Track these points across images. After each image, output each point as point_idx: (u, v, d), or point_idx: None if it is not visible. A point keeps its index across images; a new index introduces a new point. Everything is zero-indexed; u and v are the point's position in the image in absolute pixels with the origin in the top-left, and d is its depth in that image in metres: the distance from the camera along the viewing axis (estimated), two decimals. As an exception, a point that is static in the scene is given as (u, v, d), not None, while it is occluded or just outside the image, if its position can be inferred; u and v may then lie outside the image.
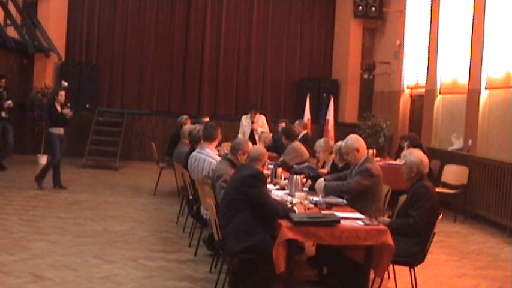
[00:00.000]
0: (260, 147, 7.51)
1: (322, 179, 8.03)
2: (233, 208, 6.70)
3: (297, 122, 13.55)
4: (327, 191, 7.80)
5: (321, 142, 9.51)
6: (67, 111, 13.20)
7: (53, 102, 13.13)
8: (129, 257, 8.32)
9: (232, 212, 6.69)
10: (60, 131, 13.14)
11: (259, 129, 15.36)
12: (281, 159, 10.97)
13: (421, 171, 7.05)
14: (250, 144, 8.06)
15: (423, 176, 7.05)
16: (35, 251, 8.33)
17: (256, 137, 15.28)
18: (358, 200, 7.59)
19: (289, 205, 6.98)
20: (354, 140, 7.99)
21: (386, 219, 7.10)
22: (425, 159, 7.18)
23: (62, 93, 13.19)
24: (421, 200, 6.82)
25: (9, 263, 7.70)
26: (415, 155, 7.16)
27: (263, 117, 15.67)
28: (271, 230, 6.55)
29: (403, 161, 7.36)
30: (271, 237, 6.41)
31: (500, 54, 12.35)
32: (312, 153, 10.90)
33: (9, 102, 15.15)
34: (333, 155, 9.29)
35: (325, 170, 9.23)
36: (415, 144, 12.16)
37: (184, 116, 14.00)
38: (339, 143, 8.76)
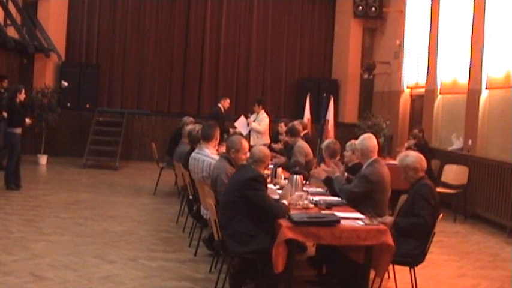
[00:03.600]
0: (264, 149, 7.41)
1: (338, 172, 8.02)
2: (233, 210, 6.70)
3: (296, 122, 13.53)
4: (336, 182, 7.79)
5: (324, 144, 9.48)
6: (29, 121, 13.20)
7: (14, 100, 12.97)
8: (129, 257, 8.32)
9: (232, 214, 6.69)
10: (20, 130, 13.03)
11: (254, 124, 15.25)
12: (278, 159, 11.01)
13: (417, 168, 7.02)
14: (246, 143, 8.03)
15: (423, 176, 7.03)
16: (35, 251, 8.33)
17: (251, 132, 15.21)
18: (356, 204, 7.54)
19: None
20: (363, 139, 7.96)
21: (390, 218, 7.05)
22: (418, 156, 7.14)
23: (23, 91, 13.09)
24: (425, 198, 6.81)
25: (9, 263, 7.70)
26: (413, 155, 7.16)
27: (266, 117, 15.49)
28: (272, 232, 6.54)
29: (400, 166, 7.31)
30: (272, 238, 6.39)
31: (500, 54, 12.35)
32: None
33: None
34: (336, 158, 9.24)
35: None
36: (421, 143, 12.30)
37: (190, 118, 13.91)
38: (352, 141, 8.68)
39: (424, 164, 7.12)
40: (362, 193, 7.54)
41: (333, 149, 9.11)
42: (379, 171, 7.69)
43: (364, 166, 7.81)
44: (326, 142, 9.38)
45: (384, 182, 7.69)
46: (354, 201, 7.54)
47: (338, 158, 9.17)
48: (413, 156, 7.12)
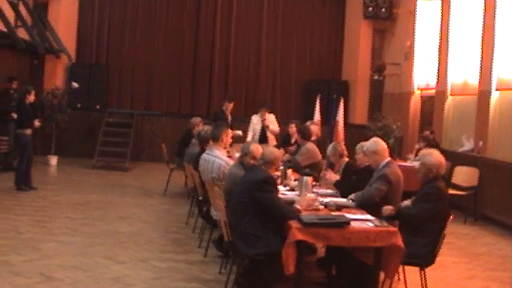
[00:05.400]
0: (275, 150, 7.38)
1: (353, 195, 7.96)
2: (242, 211, 6.69)
3: (308, 123, 13.53)
4: (357, 202, 7.74)
5: (330, 146, 9.48)
6: (37, 123, 13.20)
7: (24, 100, 12.98)
8: (139, 257, 8.33)
9: (240, 215, 6.68)
10: (30, 131, 13.03)
11: (271, 126, 15.29)
12: (293, 158, 10.98)
13: (440, 172, 7.03)
14: (260, 148, 7.99)
15: (438, 177, 7.03)
16: (45, 251, 8.35)
17: (268, 134, 15.23)
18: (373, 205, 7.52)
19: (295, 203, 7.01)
20: (373, 142, 7.96)
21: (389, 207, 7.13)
22: (444, 160, 7.16)
23: (33, 93, 13.12)
24: (429, 198, 6.85)
25: (19, 263, 7.72)
26: (434, 157, 7.11)
27: (272, 115, 15.58)
28: (281, 233, 6.53)
29: (419, 161, 7.29)
30: (282, 240, 6.36)
31: (511, 55, 12.31)
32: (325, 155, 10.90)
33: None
34: (345, 159, 9.25)
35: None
36: (432, 145, 12.26)
37: (198, 119, 13.90)
38: (362, 143, 8.67)
39: (441, 169, 7.09)
40: (386, 191, 7.54)
41: (340, 150, 9.18)
42: (396, 172, 7.72)
43: (381, 166, 7.77)
44: (330, 147, 9.39)
45: (399, 183, 7.72)
46: (380, 201, 7.52)
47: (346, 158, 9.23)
48: (434, 158, 7.07)
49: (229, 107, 15.55)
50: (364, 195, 7.63)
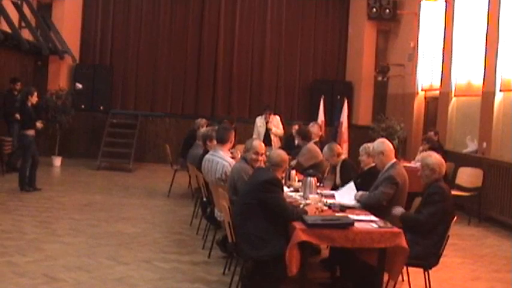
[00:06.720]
0: (282, 153, 7.35)
1: (360, 193, 7.94)
2: (246, 212, 6.66)
3: (311, 124, 13.52)
4: (363, 205, 7.73)
5: (325, 150, 9.49)
6: (39, 124, 13.18)
7: (26, 102, 12.96)
8: (143, 258, 8.33)
9: (245, 216, 6.66)
10: (33, 132, 13.01)
11: (274, 129, 15.34)
12: (295, 161, 10.95)
13: (434, 169, 7.06)
14: (263, 146, 8.02)
15: (441, 177, 7.05)
16: (49, 252, 8.35)
17: (272, 137, 15.27)
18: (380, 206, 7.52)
19: (301, 206, 6.99)
20: (379, 143, 7.97)
21: (400, 209, 7.19)
22: (439, 160, 7.20)
23: (35, 94, 13.11)
24: (433, 199, 6.86)
25: (23, 264, 7.72)
26: (435, 157, 7.15)
27: (277, 117, 15.71)
28: (286, 235, 6.51)
29: (420, 163, 7.31)
30: (286, 241, 6.34)
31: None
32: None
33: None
34: (342, 157, 9.29)
35: None
36: (435, 146, 12.27)
37: (203, 120, 13.90)
38: (366, 144, 8.65)
39: (443, 169, 7.13)
40: (393, 194, 7.53)
41: (336, 150, 9.31)
42: (403, 173, 7.72)
43: (387, 167, 7.77)
44: (326, 149, 9.41)
45: (405, 184, 7.72)
46: (386, 203, 7.52)
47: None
48: (435, 158, 7.13)
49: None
50: (371, 198, 7.61)
